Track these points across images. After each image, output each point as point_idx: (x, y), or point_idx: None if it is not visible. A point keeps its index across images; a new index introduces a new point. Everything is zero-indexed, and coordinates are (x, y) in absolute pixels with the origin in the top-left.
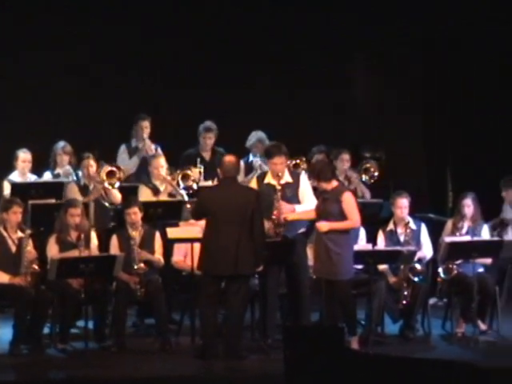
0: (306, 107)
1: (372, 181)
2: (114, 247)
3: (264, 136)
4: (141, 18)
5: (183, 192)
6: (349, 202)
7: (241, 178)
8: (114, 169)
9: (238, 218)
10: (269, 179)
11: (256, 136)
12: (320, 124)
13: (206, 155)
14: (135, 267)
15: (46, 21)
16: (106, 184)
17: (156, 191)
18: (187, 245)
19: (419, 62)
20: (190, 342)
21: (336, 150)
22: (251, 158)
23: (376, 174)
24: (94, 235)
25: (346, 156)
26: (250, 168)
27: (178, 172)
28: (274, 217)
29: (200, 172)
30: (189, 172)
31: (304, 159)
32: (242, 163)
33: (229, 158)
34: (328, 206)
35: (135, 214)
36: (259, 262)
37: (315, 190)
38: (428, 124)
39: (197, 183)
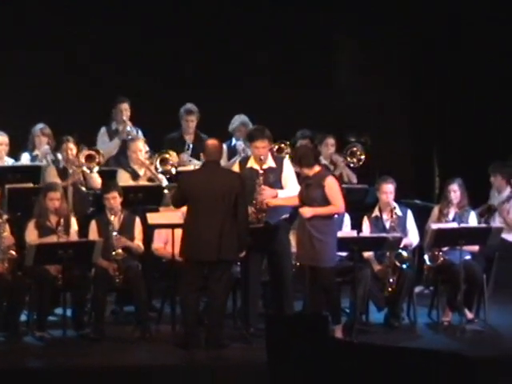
0: (290, 92)
1: (359, 164)
2: (93, 233)
3: (247, 120)
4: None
5: (162, 177)
6: (332, 187)
7: (223, 162)
8: (93, 153)
9: (221, 202)
10: (251, 163)
11: (239, 120)
12: (305, 108)
13: (189, 139)
14: (113, 253)
15: None
16: (85, 168)
17: (135, 176)
18: (168, 231)
19: (406, 45)
20: (171, 331)
21: (320, 135)
22: (234, 141)
23: (363, 157)
24: (74, 220)
25: (330, 140)
26: (232, 152)
27: (156, 156)
28: (255, 202)
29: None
30: (167, 156)
31: (288, 143)
32: (224, 147)
33: (211, 142)
34: (311, 191)
35: (114, 199)
36: (242, 248)
37: (298, 175)
38: (414, 108)
39: (175, 167)
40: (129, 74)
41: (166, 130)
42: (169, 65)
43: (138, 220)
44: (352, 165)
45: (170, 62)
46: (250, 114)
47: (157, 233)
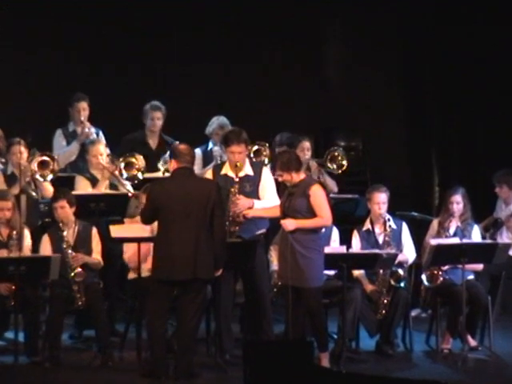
0: (270, 88)
1: (339, 171)
2: (46, 248)
3: (226, 121)
4: None
5: (127, 183)
6: (318, 196)
7: (198, 169)
8: (47, 159)
9: (196, 214)
10: (226, 170)
11: (217, 122)
12: (287, 107)
13: (153, 142)
14: (72, 274)
15: None
16: (38, 176)
17: (95, 182)
18: (134, 245)
19: (401, 36)
20: (136, 358)
21: (295, 137)
22: (211, 146)
23: (344, 162)
24: (27, 233)
25: (306, 144)
26: (209, 158)
27: (121, 160)
28: (229, 213)
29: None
30: (132, 160)
31: (267, 145)
32: (199, 152)
33: (183, 146)
34: (294, 201)
35: (63, 209)
36: (220, 265)
37: (278, 185)
38: (411, 108)
39: (142, 172)
40: (88, 68)
41: (131, 131)
42: (132, 59)
43: (94, 230)
44: (332, 170)
45: (135, 55)
46: (225, 113)
47: (126, 245)
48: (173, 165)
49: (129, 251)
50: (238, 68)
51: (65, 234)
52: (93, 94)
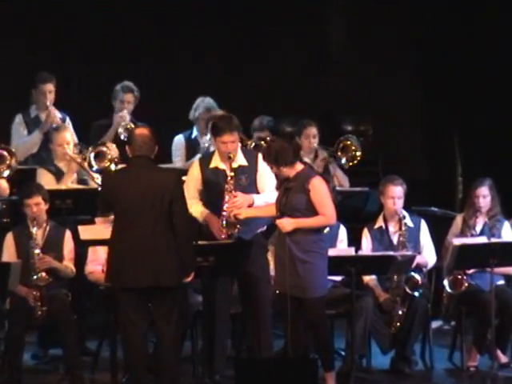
0: (263, 65)
1: (351, 164)
2: (9, 250)
3: (213, 104)
4: None
5: (98, 176)
6: (319, 191)
7: (181, 161)
8: (4, 153)
9: (153, 210)
10: (216, 162)
11: (202, 104)
12: (283, 88)
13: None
14: (35, 277)
15: None
16: None
17: (60, 176)
18: (107, 248)
19: (415, 9)
20: (111, 380)
21: (300, 123)
22: (195, 133)
23: (358, 153)
24: None
25: (312, 130)
26: (193, 147)
27: (90, 149)
28: (224, 213)
29: None
30: (103, 149)
31: (268, 138)
32: (181, 140)
33: (140, 131)
34: (292, 197)
35: (38, 206)
36: (188, 269)
37: (276, 178)
38: (429, 87)
39: (115, 163)
40: (52, 44)
41: (104, 116)
42: (106, 33)
43: (68, 234)
44: (343, 164)
45: (108, 29)
46: (215, 97)
47: (92, 251)
48: (128, 153)
49: (91, 263)
50: (227, 42)
51: (34, 230)
52: (59, 74)
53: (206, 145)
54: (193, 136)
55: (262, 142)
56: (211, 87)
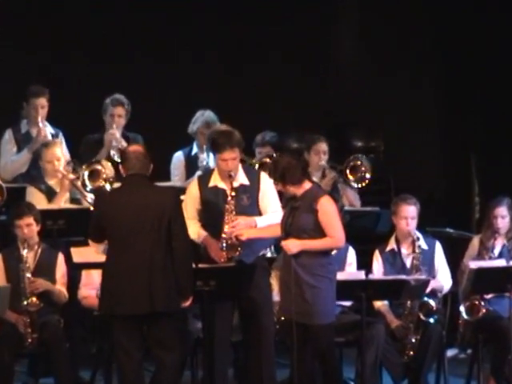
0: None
1: (362, 184)
2: None
3: (213, 117)
4: None
5: (91, 196)
6: (327, 211)
7: (180, 181)
8: None
9: (151, 231)
10: (215, 181)
11: (202, 118)
12: (291, 100)
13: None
14: (25, 303)
15: None
16: None
17: (51, 195)
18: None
19: (431, 15)
20: None
21: (309, 138)
22: (195, 149)
23: (368, 175)
24: None
25: (322, 146)
26: (194, 164)
27: (84, 167)
28: (224, 235)
29: None
30: (98, 167)
31: (273, 155)
32: (181, 157)
33: (133, 148)
34: (298, 217)
35: (29, 227)
36: (185, 294)
37: (281, 195)
38: (445, 101)
39: (110, 183)
40: (47, 55)
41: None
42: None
43: (60, 258)
44: (353, 185)
45: (102, 39)
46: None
47: (85, 275)
48: (122, 172)
49: (84, 287)
50: (230, 52)
51: (25, 253)
52: (52, 86)
53: (204, 163)
54: (193, 153)
55: (267, 159)
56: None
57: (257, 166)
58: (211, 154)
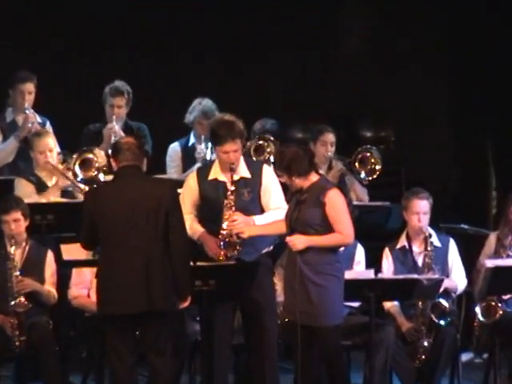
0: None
1: (372, 177)
2: None
3: (211, 106)
4: None
5: (84, 187)
6: (335, 205)
7: (176, 173)
8: None
9: (144, 225)
10: (215, 174)
11: (199, 107)
12: (289, 86)
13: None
14: (13, 303)
15: None
16: None
17: (42, 187)
18: (94, 270)
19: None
20: None
21: (315, 128)
22: (192, 140)
23: (378, 167)
24: None
25: (329, 137)
26: (191, 156)
27: (75, 157)
28: (224, 232)
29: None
30: (90, 156)
31: (271, 138)
32: (177, 148)
33: (126, 139)
34: (304, 211)
35: (17, 223)
36: (184, 293)
37: (285, 188)
38: (460, 89)
39: (104, 173)
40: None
41: (89, 121)
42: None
43: (50, 255)
44: (361, 178)
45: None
46: (215, 97)
47: (76, 273)
48: (114, 165)
49: (75, 286)
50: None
51: (12, 250)
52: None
53: (202, 154)
54: (190, 143)
55: (261, 142)
56: (211, 87)
57: (252, 151)
58: (209, 145)
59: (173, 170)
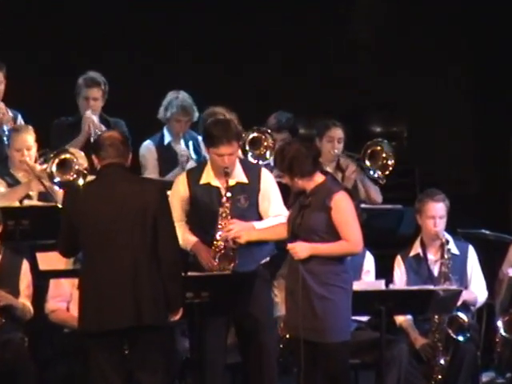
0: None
1: (384, 173)
2: None
3: (190, 101)
4: None
5: (61, 191)
6: (343, 209)
7: (153, 172)
8: None
9: (133, 231)
10: (208, 178)
11: (177, 102)
12: (298, 78)
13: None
14: None
15: None
16: None
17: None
18: (73, 282)
19: None
20: None
21: (321, 123)
22: (168, 136)
23: (391, 162)
24: None
25: (337, 132)
26: (167, 156)
27: (52, 156)
28: (218, 243)
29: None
30: (68, 156)
31: (268, 131)
32: (151, 147)
33: (108, 134)
34: (309, 215)
35: None
36: (175, 304)
37: (287, 191)
38: (481, 78)
39: (84, 175)
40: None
41: (65, 113)
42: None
43: (25, 265)
44: (374, 176)
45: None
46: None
47: (54, 285)
48: (96, 163)
49: (52, 299)
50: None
51: None
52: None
53: (185, 157)
54: (165, 142)
55: (257, 135)
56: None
57: (247, 144)
58: (190, 143)
59: (147, 172)
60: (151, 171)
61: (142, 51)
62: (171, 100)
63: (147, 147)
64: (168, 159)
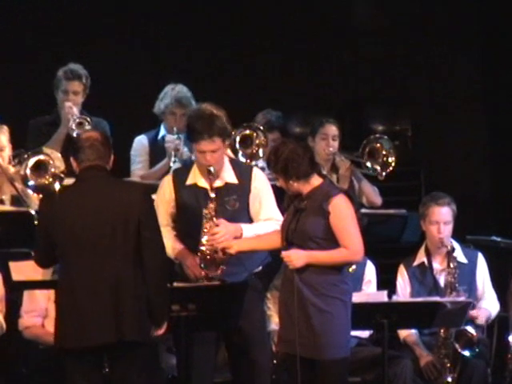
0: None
1: (384, 172)
2: None
3: (187, 93)
4: None
5: (35, 196)
6: (342, 215)
7: (142, 170)
8: None
9: (114, 239)
10: (195, 178)
11: (172, 94)
12: (293, 74)
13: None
14: None
15: None
16: None
17: None
18: (50, 294)
19: None
20: None
21: (316, 120)
22: (163, 132)
23: (391, 159)
24: None
25: (332, 129)
26: (160, 151)
27: (26, 157)
28: (203, 248)
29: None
30: (42, 157)
31: (260, 128)
32: (144, 142)
33: (88, 135)
34: (305, 221)
35: None
36: (160, 319)
37: (278, 194)
38: (494, 70)
39: (60, 178)
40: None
41: (42, 112)
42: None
43: None
44: (373, 173)
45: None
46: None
47: (28, 298)
48: (74, 166)
49: (27, 313)
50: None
51: None
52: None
53: (172, 145)
54: (159, 136)
55: (248, 132)
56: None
57: (238, 142)
58: (182, 137)
59: (139, 166)
60: (142, 165)
61: (129, 46)
62: (167, 91)
63: (140, 141)
64: (161, 154)
